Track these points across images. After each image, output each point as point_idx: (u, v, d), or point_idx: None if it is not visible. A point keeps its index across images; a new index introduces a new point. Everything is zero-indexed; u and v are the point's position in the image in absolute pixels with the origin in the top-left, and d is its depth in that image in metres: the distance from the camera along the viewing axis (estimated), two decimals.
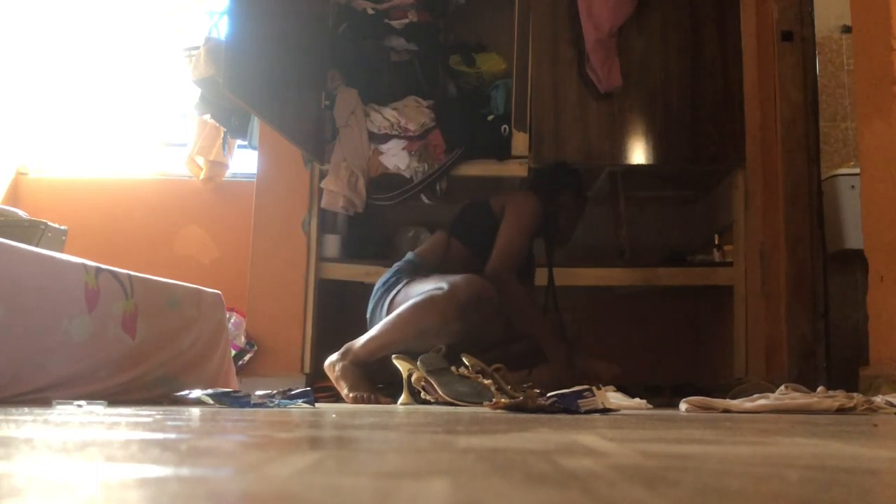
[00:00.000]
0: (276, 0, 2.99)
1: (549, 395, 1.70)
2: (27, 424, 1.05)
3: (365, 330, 2.74)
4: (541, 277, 3.04)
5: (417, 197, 3.32)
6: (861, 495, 0.48)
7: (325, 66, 3.42)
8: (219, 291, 2.56)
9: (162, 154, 4.08)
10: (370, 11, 3.43)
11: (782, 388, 2.01)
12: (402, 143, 3.29)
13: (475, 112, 3.35)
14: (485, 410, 1.90)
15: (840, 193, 2.88)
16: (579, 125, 3.28)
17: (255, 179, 3.44)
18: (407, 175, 3.27)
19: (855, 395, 1.86)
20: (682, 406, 1.92)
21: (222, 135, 3.72)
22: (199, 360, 2.36)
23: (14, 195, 3.90)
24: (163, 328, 2.19)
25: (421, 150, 3.28)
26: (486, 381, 1.94)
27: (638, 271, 3.32)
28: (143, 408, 1.71)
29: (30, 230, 2.20)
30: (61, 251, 2.07)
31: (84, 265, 1.91)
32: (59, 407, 1.59)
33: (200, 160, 3.85)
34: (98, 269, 1.95)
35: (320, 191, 3.29)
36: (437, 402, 2.35)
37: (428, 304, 2.53)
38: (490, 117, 3.32)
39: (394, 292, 2.71)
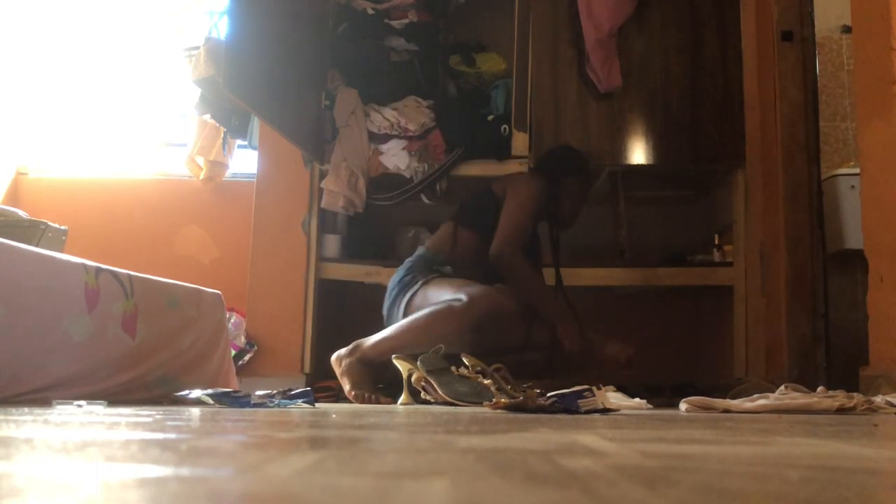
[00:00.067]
0: (276, 0, 2.99)
1: (549, 395, 1.70)
2: (27, 424, 1.05)
3: (363, 330, 2.74)
4: (547, 277, 3.03)
5: (417, 197, 3.32)
6: (861, 495, 0.48)
7: (325, 66, 3.42)
8: (219, 291, 2.56)
9: (162, 154, 4.08)
10: (370, 11, 3.43)
11: (782, 388, 2.01)
12: (402, 143, 3.29)
13: (475, 112, 3.35)
14: (485, 410, 1.90)
15: (840, 193, 2.88)
16: (579, 125, 3.28)
17: (255, 179, 3.44)
18: (407, 175, 3.27)
19: (855, 395, 1.86)
20: (682, 406, 1.92)
21: (222, 135, 3.71)
22: (199, 360, 2.36)
23: (14, 195, 3.90)
24: (163, 328, 2.19)
25: (421, 150, 3.28)
26: (486, 381, 1.94)
27: (638, 271, 3.32)
28: (143, 408, 1.71)
29: (30, 230, 2.20)
30: (61, 251, 2.07)
31: (84, 265, 1.91)
32: (59, 407, 1.59)
33: (200, 160, 3.85)
34: (98, 269, 1.95)
35: (320, 191, 3.29)
36: (437, 402, 2.35)
37: (446, 314, 2.54)
38: (490, 117, 3.32)
39: (410, 292, 2.71)
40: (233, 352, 2.82)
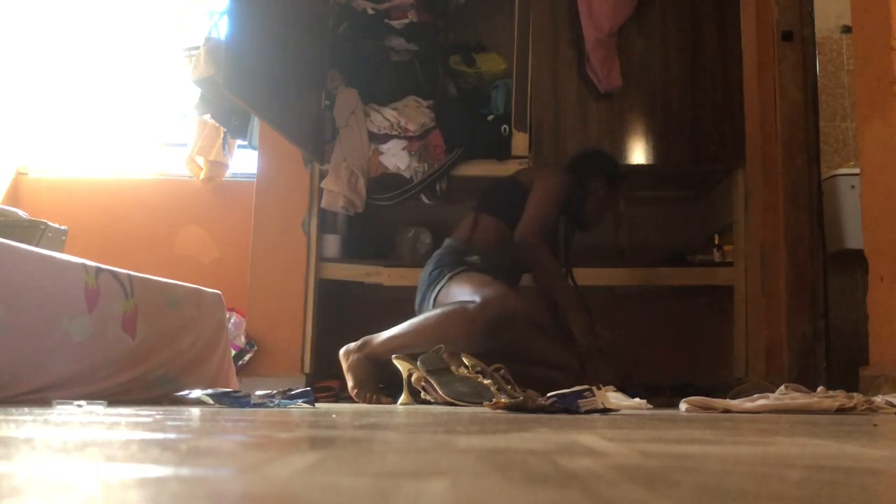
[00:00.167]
0: (276, 0, 2.99)
1: (549, 395, 1.70)
2: (27, 424, 1.05)
3: (363, 330, 2.74)
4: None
5: (417, 197, 3.32)
6: (861, 495, 0.48)
7: (325, 66, 3.42)
8: (219, 291, 2.55)
9: (162, 154, 4.08)
10: (370, 11, 3.43)
11: (782, 388, 2.00)
12: (402, 143, 3.29)
13: (475, 112, 3.35)
14: (485, 410, 1.90)
15: (840, 193, 2.88)
16: (579, 125, 3.28)
17: (255, 179, 3.44)
18: (407, 175, 3.27)
19: (855, 395, 1.86)
20: (682, 406, 1.92)
21: (222, 135, 3.71)
22: (199, 360, 2.36)
23: (14, 195, 3.89)
24: (163, 328, 2.19)
25: (421, 150, 3.28)
26: (486, 381, 1.94)
27: (638, 271, 3.32)
28: (143, 408, 1.71)
29: (30, 230, 2.20)
30: (61, 251, 2.07)
31: (84, 265, 1.91)
32: (59, 407, 1.59)
33: (200, 160, 3.84)
34: (98, 269, 1.95)
35: (320, 191, 3.29)
36: (437, 402, 2.35)
37: (458, 315, 2.55)
38: (490, 117, 3.33)
39: (438, 287, 2.71)
40: (233, 352, 2.82)
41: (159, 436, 0.90)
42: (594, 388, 1.69)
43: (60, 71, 4.16)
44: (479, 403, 2.18)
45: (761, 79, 3.14)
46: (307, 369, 3.23)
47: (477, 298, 2.55)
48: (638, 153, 3.27)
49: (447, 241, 2.88)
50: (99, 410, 1.53)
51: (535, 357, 2.76)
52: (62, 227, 2.30)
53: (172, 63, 3.96)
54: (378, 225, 3.62)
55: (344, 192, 3.22)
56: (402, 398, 2.51)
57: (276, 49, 2.93)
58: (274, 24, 2.92)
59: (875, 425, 1.31)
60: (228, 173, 3.91)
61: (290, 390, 2.14)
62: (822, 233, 2.91)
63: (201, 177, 3.86)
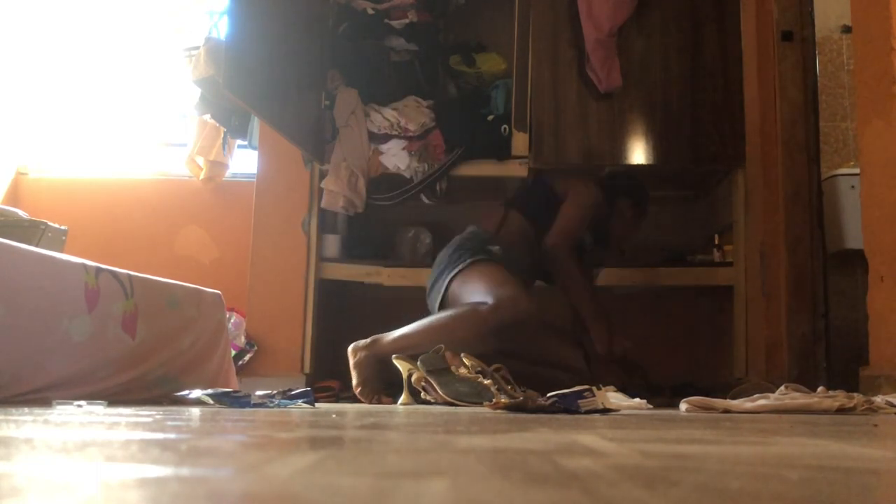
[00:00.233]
0: (276, 0, 2.99)
1: (549, 395, 1.70)
2: (27, 424, 1.05)
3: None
4: None
5: (417, 197, 3.32)
6: (861, 495, 0.48)
7: (325, 66, 3.42)
8: (219, 291, 2.55)
9: (162, 154, 4.08)
10: (370, 11, 3.43)
11: (782, 388, 2.00)
12: (402, 143, 3.29)
13: (475, 112, 3.35)
14: (485, 410, 1.90)
15: (840, 193, 2.88)
16: (579, 125, 3.27)
17: (255, 179, 3.44)
18: (407, 175, 3.27)
19: (855, 395, 1.86)
20: (682, 406, 1.92)
21: (222, 135, 3.71)
22: (199, 360, 2.36)
23: (14, 195, 3.89)
24: (163, 328, 2.19)
25: (421, 150, 3.28)
26: (486, 381, 1.94)
27: (638, 271, 3.32)
28: (143, 408, 1.71)
29: (30, 230, 2.20)
30: (61, 251, 2.07)
31: (84, 265, 1.91)
32: (59, 407, 1.59)
33: (200, 160, 3.84)
34: (98, 269, 1.95)
35: (320, 191, 3.29)
36: (437, 402, 2.35)
37: (469, 316, 2.56)
38: (490, 117, 3.32)
39: (456, 270, 2.72)
40: (233, 352, 2.82)
41: (159, 436, 0.90)
42: (594, 388, 1.69)
43: (60, 71, 4.16)
44: (479, 403, 2.18)
45: (761, 79, 3.14)
46: (307, 369, 3.23)
47: (489, 299, 2.56)
48: (638, 153, 3.27)
49: (471, 228, 2.93)
50: (99, 410, 1.53)
51: (544, 358, 2.78)
52: (62, 227, 2.30)
53: (172, 63, 3.96)
54: (378, 225, 3.62)
55: (344, 192, 3.22)
56: (402, 398, 2.51)
57: (276, 49, 2.93)
58: (274, 24, 2.92)
59: (875, 425, 1.31)
60: (228, 173, 3.91)
61: (290, 390, 2.14)
62: (822, 233, 2.91)
63: (201, 177, 3.86)
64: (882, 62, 2.18)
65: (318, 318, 3.30)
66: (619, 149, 3.27)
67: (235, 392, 2.05)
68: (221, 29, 3.34)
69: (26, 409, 1.45)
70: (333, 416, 1.54)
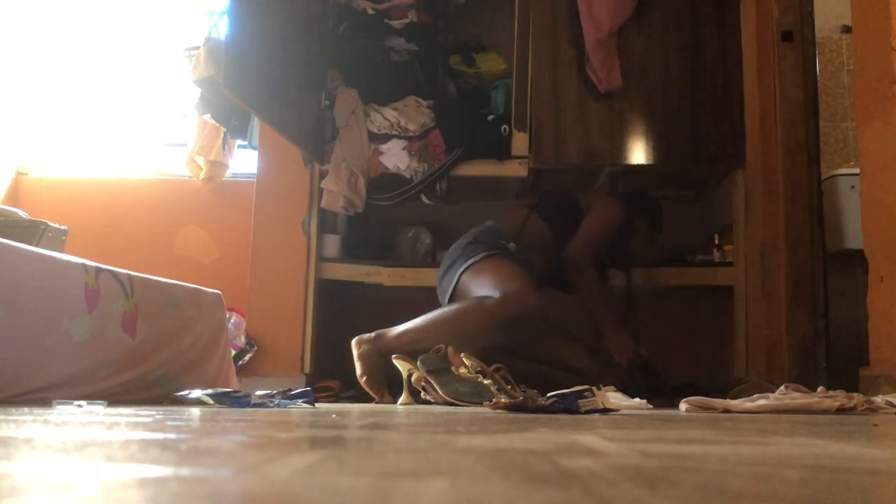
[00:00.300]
0: (276, 0, 2.99)
1: (549, 395, 1.70)
2: (27, 424, 1.05)
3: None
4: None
5: (417, 197, 3.32)
6: (861, 495, 0.48)
7: (325, 66, 3.41)
8: (219, 291, 2.55)
9: (162, 154, 4.08)
10: (370, 11, 3.43)
11: (782, 388, 2.00)
12: (402, 143, 3.29)
13: (475, 112, 3.35)
14: (485, 410, 1.90)
15: (840, 193, 2.88)
16: (579, 125, 3.27)
17: (255, 179, 3.44)
18: (407, 175, 3.27)
19: (855, 395, 1.86)
20: (682, 406, 1.92)
21: (222, 135, 3.71)
22: (199, 360, 2.36)
23: (14, 195, 3.89)
24: (163, 328, 2.19)
25: (421, 150, 3.28)
26: (486, 381, 1.93)
27: (638, 271, 3.32)
28: (143, 408, 1.71)
29: (30, 230, 2.20)
30: (61, 251, 2.07)
31: (84, 265, 1.91)
32: (59, 407, 1.59)
33: (200, 160, 3.84)
34: (98, 269, 1.95)
35: (320, 191, 3.29)
36: (437, 402, 2.35)
37: (476, 310, 2.56)
38: (490, 117, 3.32)
39: (470, 261, 2.73)
40: (233, 352, 2.82)
41: (159, 436, 0.90)
42: (594, 388, 1.69)
43: (60, 71, 4.16)
44: (479, 403, 2.18)
45: (761, 79, 3.13)
46: (307, 369, 3.23)
47: (497, 293, 2.56)
48: (638, 153, 3.27)
49: (489, 223, 2.95)
50: (99, 410, 1.53)
51: (549, 357, 2.79)
52: (62, 227, 2.30)
53: (172, 63, 3.96)
54: (378, 225, 3.62)
55: (344, 192, 3.22)
56: (402, 398, 2.51)
57: (276, 49, 2.93)
58: (274, 24, 2.92)
59: (875, 425, 1.31)
60: (228, 173, 3.91)
61: (290, 390, 2.14)
62: (822, 233, 2.91)
63: (201, 177, 3.86)
64: (882, 62, 2.18)
65: (318, 318, 3.30)
66: (619, 149, 3.27)
67: (235, 392, 2.05)
68: (221, 29, 3.34)
69: (26, 409, 1.45)
70: (333, 416, 1.54)
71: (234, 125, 3.52)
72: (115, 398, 1.94)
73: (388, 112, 3.31)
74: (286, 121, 3.03)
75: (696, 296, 3.58)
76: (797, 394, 1.93)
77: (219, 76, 2.88)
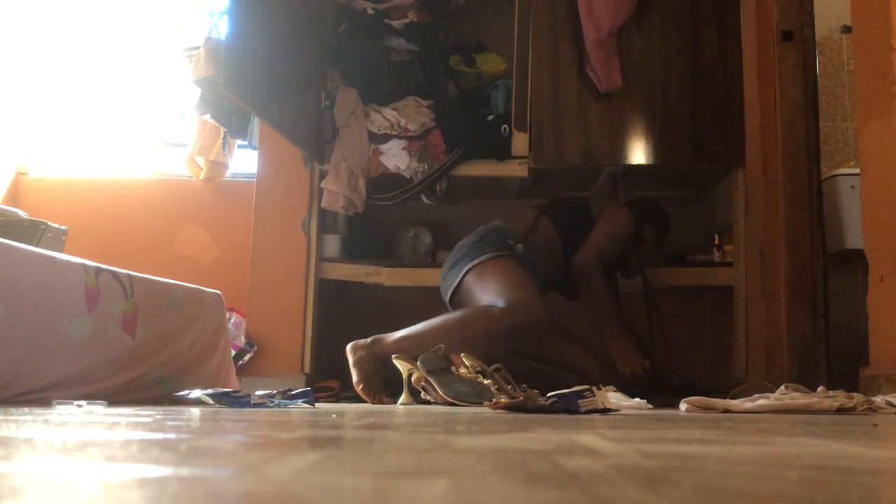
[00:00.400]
0: (276, 0, 2.99)
1: (549, 395, 1.70)
2: (27, 424, 1.05)
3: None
4: None
5: (417, 197, 3.32)
6: (861, 495, 0.48)
7: (325, 66, 3.41)
8: (219, 291, 2.55)
9: (162, 154, 4.08)
10: (370, 11, 3.43)
11: (782, 388, 2.00)
12: (402, 143, 3.29)
13: (475, 112, 3.35)
14: (485, 410, 1.90)
15: (840, 193, 2.88)
16: (579, 125, 3.27)
17: (255, 179, 3.44)
18: (407, 175, 3.27)
19: (855, 395, 1.86)
20: (682, 406, 1.92)
21: (222, 135, 3.71)
22: (199, 360, 2.36)
23: (14, 195, 3.89)
24: (163, 328, 2.19)
25: (421, 150, 3.28)
26: (486, 381, 1.94)
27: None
28: (143, 408, 1.71)
29: (30, 230, 2.20)
30: (61, 251, 2.07)
31: (84, 265, 1.91)
32: (59, 407, 1.59)
33: (200, 160, 3.84)
34: (98, 269, 1.95)
35: (320, 191, 3.29)
36: (437, 402, 2.35)
37: (479, 319, 2.57)
38: (490, 117, 3.32)
39: (476, 261, 2.73)
40: (233, 352, 2.82)
41: (159, 436, 0.90)
42: (594, 388, 1.69)
43: (60, 71, 4.16)
44: (479, 403, 2.18)
45: (761, 79, 3.13)
46: (307, 369, 3.23)
47: (501, 301, 2.57)
48: (638, 153, 3.27)
49: (497, 223, 2.95)
50: (99, 410, 1.53)
51: (552, 357, 2.79)
52: (62, 227, 2.30)
53: (172, 63, 3.96)
54: (378, 225, 3.62)
55: (344, 192, 3.22)
56: (402, 398, 2.51)
57: (275, 49, 2.93)
58: (274, 24, 2.92)
59: (875, 425, 1.31)
60: (228, 173, 3.91)
61: (290, 390, 2.14)
62: (822, 233, 2.91)
63: (201, 177, 3.86)
64: (882, 62, 2.18)
65: (318, 318, 3.30)
66: (619, 149, 3.27)
67: (235, 392, 2.05)
68: (221, 29, 3.34)
69: (26, 409, 1.45)
70: (333, 416, 1.54)
71: (234, 125, 3.52)
72: (115, 398, 1.94)
73: (388, 112, 3.31)
74: (286, 121, 3.03)
75: (696, 296, 3.58)
76: (797, 394, 1.93)
77: (219, 76, 2.88)
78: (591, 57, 3.22)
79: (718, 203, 3.50)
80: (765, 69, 3.10)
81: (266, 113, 2.89)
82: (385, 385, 2.68)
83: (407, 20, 3.42)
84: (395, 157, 3.27)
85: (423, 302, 3.16)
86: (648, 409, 2.10)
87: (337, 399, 2.93)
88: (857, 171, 2.47)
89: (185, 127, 3.94)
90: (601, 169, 3.39)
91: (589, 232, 2.90)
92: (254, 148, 3.51)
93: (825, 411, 1.73)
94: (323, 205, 3.28)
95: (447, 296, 2.84)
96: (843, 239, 2.85)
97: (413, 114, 3.31)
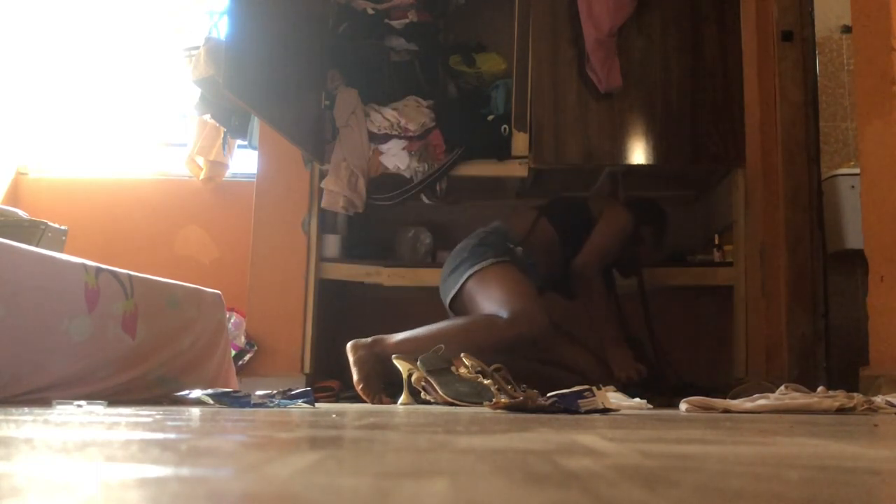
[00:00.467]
0: (276, 0, 2.99)
1: (549, 395, 1.70)
2: (27, 424, 1.05)
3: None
4: None
5: (417, 197, 3.32)
6: (861, 495, 0.48)
7: (325, 66, 3.41)
8: (219, 291, 2.55)
9: (162, 154, 4.08)
10: (370, 11, 3.43)
11: (782, 388, 2.00)
12: (402, 143, 3.29)
13: (475, 112, 3.35)
14: (485, 410, 1.90)
15: (840, 193, 2.88)
16: (579, 125, 3.27)
17: (255, 179, 3.44)
18: (407, 175, 3.27)
19: (855, 395, 1.86)
20: (682, 406, 1.92)
21: (222, 135, 3.71)
22: (199, 360, 2.36)
23: (14, 195, 3.89)
24: (163, 328, 2.19)
25: (421, 150, 3.28)
26: (486, 381, 1.94)
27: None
28: (143, 408, 1.71)
29: (30, 230, 2.20)
30: (61, 251, 2.07)
31: (84, 265, 1.91)
32: (59, 407, 1.59)
33: (200, 160, 3.84)
34: (98, 269, 1.95)
35: (320, 191, 3.29)
36: (437, 402, 2.35)
37: (484, 326, 2.58)
38: (490, 117, 3.32)
39: (477, 267, 2.73)
40: (233, 352, 2.82)
41: (159, 436, 0.90)
42: (594, 388, 1.69)
43: (60, 71, 4.16)
44: (479, 403, 2.18)
45: (761, 79, 3.13)
46: (307, 369, 3.23)
47: (505, 312, 2.58)
48: (638, 153, 3.27)
49: (496, 224, 2.94)
50: (99, 410, 1.53)
51: (552, 357, 2.80)
52: (62, 227, 2.30)
53: (172, 63, 3.96)
54: (378, 225, 3.62)
55: (344, 192, 3.22)
56: (402, 398, 2.51)
57: (275, 49, 2.93)
58: (274, 24, 2.92)
59: (875, 425, 1.31)
60: (228, 173, 3.91)
61: (290, 390, 2.14)
62: (822, 233, 2.91)
63: (201, 177, 3.86)
64: (882, 62, 2.18)
65: (318, 318, 3.30)
66: (619, 149, 3.27)
67: (235, 392, 2.05)
68: (221, 29, 3.34)
69: (26, 409, 1.45)
70: (333, 416, 1.54)
71: (234, 125, 3.52)
72: (115, 398, 1.94)
73: (388, 112, 3.31)
74: (286, 121, 3.03)
75: (696, 296, 3.58)
76: (797, 394, 1.93)
77: (219, 76, 2.88)
78: (591, 57, 3.22)
79: (718, 203, 3.50)
80: (765, 69, 3.10)
81: (266, 113, 2.89)
82: (385, 385, 2.68)
83: (407, 20, 3.42)
84: (395, 157, 3.27)
85: (424, 302, 3.16)
86: (648, 409, 2.10)
87: (337, 399, 2.93)
88: (857, 171, 2.47)
89: (185, 127, 3.94)
90: (601, 169, 3.39)
91: (588, 232, 2.90)
92: (254, 148, 3.51)
93: (825, 411, 1.73)
94: (323, 205, 3.28)
95: (447, 300, 2.83)
96: (843, 239, 2.85)
97: (413, 114, 3.31)
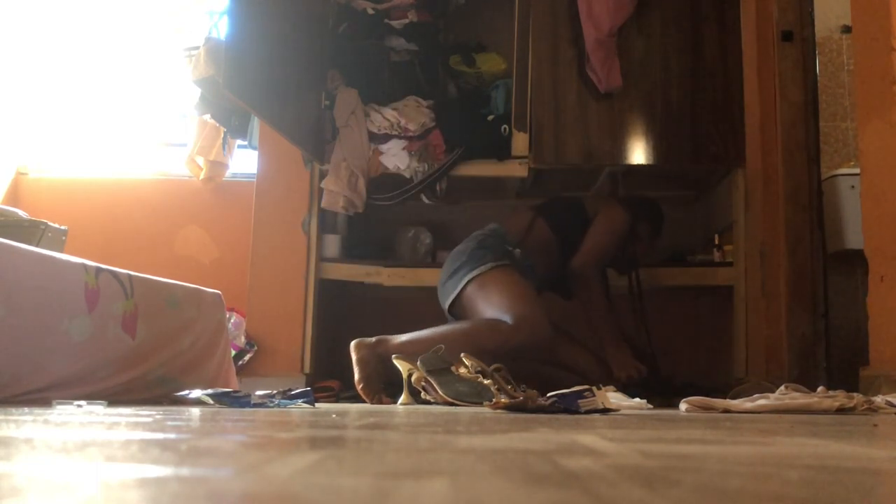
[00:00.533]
0: (276, 0, 2.99)
1: (549, 395, 1.70)
2: (27, 424, 1.05)
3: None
4: None
5: (417, 197, 3.32)
6: (861, 495, 0.48)
7: (325, 66, 3.41)
8: (219, 291, 2.55)
9: (162, 154, 4.08)
10: (370, 11, 3.43)
11: (782, 388, 2.00)
12: (402, 143, 3.29)
13: (475, 112, 3.35)
14: (485, 410, 1.90)
15: (840, 193, 2.88)
16: (579, 125, 3.27)
17: (255, 179, 3.44)
18: (407, 175, 3.27)
19: (855, 395, 1.86)
20: (682, 406, 1.92)
21: (222, 135, 3.71)
22: (199, 360, 2.36)
23: (14, 195, 3.89)
24: (163, 328, 2.19)
25: (421, 150, 3.28)
26: (486, 381, 1.93)
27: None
28: (143, 408, 1.71)
29: (30, 230, 2.20)
30: (61, 251, 2.07)
31: (84, 265, 1.91)
32: (59, 407, 1.59)
33: (200, 160, 3.84)
34: (98, 269, 1.95)
35: (320, 191, 3.29)
36: (437, 402, 2.35)
37: (487, 331, 2.59)
38: (490, 117, 3.32)
39: (476, 272, 2.73)
40: (233, 352, 2.82)
41: (159, 436, 0.90)
42: (594, 388, 1.69)
43: (60, 71, 4.16)
44: (479, 403, 2.18)
45: (761, 79, 3.13)
46: (307, 369, 3.23)
47: (508, 317, 2.58)
48: (638, 153, 3.27)
49: (493, 226, 2.94)
50: (99, 410, 1.53)
51: (552, 357, 2.80)
52: (62, 227, 2.30)
53: (172, 63, 3.96)
54: (378, 225, 3.62)
55: (344, 192, 3.22)
56: (402, 398, 2.51)
57: (276, 49, 2.93)
58: (274, 24, 2.92)
59: (875, 425, 1.31)
60: (228, 173, 3.91)
61: (290, 390, 2.14)
62: (822, 233, 2.91)
63: (201, 177, 3.86)
64: (882, 62, 2.18)
65: (318, 318, 3.30)
66: (619, 149, 3.27)
67: (235, 392, 2.05)
68: (221, 29, 3.34)
69: (26, 409, 1.45)
70: (333, 416, 1.54)
71: (234, 125, 3.52)
72: (115, 398, 1.94)
73: (388, 112, 3.31)
74: (286, 121, 3.03)
75: (696, 296, 3.58)
76: (797, 394, 1.93)
77: (219, 76, 2.88)
78: (591, 57, 3.22)
79: (718, 203, 3.50)
80: (765, 69, 3.11)
81: (266, 113, 2.89)
82: (385, 385, 2.67)
83: (407, 20, 3.42)
84: (395, 157, 3.27)
85: (424, 302, 3.16)
86: (648, 409, 2.10)
87: (337, 399, 2.93)
88: (857, 171, 2.47)
89: (185, 127, 3.94)
90: (601, 169, 3.39)
91: (585, 233, 2.90)
92: (254, 148, 3.51)
93: (825, 411, 1.73)
94: (323, 205, 3.28)
95: (446, 305, 2.83)
96: (843, 239, 2.85)
97: (413, 114, 3.31)
